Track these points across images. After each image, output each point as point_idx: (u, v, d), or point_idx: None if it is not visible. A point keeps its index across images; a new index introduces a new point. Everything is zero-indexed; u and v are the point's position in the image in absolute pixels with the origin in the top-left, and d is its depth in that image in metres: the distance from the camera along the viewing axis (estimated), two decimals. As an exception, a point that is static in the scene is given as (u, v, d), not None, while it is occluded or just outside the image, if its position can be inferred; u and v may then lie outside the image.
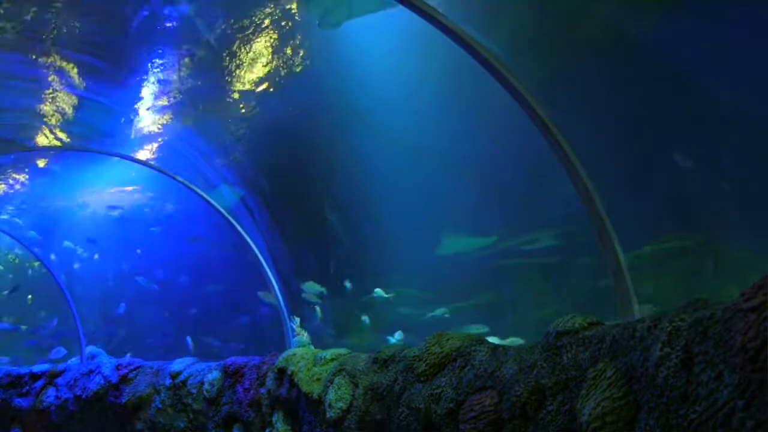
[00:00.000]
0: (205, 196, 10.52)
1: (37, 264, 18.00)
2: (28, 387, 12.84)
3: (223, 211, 10.33)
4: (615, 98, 6.61)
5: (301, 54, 7.99)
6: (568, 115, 5.49)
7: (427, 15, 5.39)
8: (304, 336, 9.62)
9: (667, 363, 3.22)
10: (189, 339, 13.83)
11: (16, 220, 15.87)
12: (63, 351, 15.52)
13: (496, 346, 5.20)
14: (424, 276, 8.93)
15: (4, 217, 15.55)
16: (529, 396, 4.37)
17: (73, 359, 14.70)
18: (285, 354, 8.53)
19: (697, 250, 6.53)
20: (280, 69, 8.23)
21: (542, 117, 5.24)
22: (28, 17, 7.07)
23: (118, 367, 11.60)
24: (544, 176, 6.24)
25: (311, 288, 9.82)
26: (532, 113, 5.28)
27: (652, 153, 6.47)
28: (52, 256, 16.41)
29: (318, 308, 10.09)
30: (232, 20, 7.35)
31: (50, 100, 9.29)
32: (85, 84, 8.94)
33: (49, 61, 8.02)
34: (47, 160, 12.56)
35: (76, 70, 8.45)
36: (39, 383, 12.82)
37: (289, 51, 7.99)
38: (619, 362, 3.70)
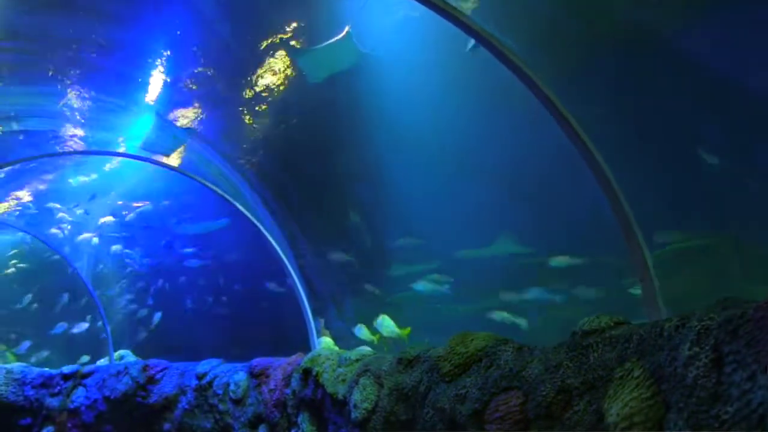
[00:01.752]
0: (228, 197, 10.59)
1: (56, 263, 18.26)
2: (59, 387, 13.04)
3: (246, 212, 10.39)
4: (639, 94, 6.55)
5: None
6: (591, 113, 5.46)
7: (450, 15, 5.39)
8: (329, 337, 9.66)
9: (697, 363, 3.19)
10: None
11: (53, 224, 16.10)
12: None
13: (521, 346, 5.18)
14: (448, 276, 8.90)
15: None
16: (555, 396, 4.34)
17: (102, 360, 14.89)
18: (310, 355, 8.56)
19: (724, 249, 6.46)
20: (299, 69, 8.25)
21: (565, 115, 5.21)
22: (53, 24, 7.17)
23: (145, 369, 11.72)
24: (570, 176, 6.19)
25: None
26: (555, 111, 5.26)
27: (677, 150, 6.41)
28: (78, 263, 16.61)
29: (322, 321, 10.11)
30: (254, 24, 7.39)
31: (74, 105, 9.40)
32: (108, 88, 9.05)
33: (74, 66, 8.12)
34: (73, 162, 12.70)
35: (99, 75, 8.55)
36: (69, 384, 13.01)
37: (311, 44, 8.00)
38: (646, 362, 3.67)
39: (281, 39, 7.72)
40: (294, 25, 7.57)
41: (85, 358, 15.75)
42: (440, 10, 5.39)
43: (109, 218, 16.28)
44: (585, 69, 6.39)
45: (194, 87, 8.78)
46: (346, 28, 7.19)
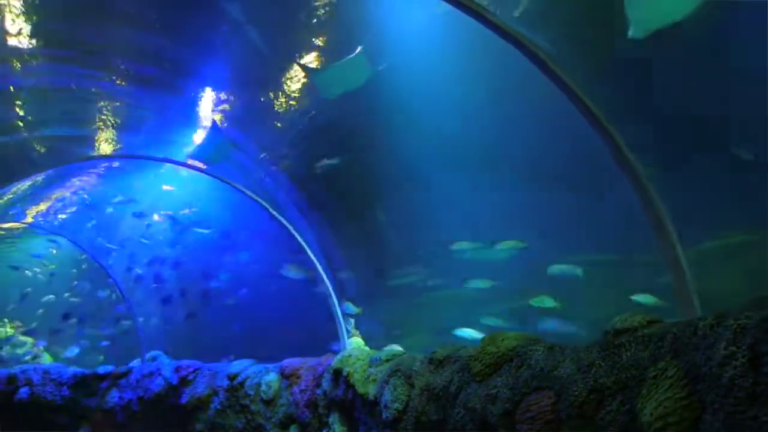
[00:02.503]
0: (260, 200, 10.68)
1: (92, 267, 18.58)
2: (94, 387, 13.25)
3: (276, 214, 10.47)
4: (670, 90, 6.45)
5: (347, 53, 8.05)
6: (621, 109, 5.39)
7: (476, 13, 5.37)
8: (359, 337, 9.68)
9: (733, 362, 3.13)
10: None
11: (84, 225, 16.38)
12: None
13: (552, 345, 5.14)
14: (479, 275, 8.85)
15: (61, 216, 16.03)
16: (587, 396, 4.30)
17: (135, 362, 15.11)
18: (340, 355, 8.59)
19: (762, 246, 6.33)
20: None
21: (594, 111, 5.16)
22: (87, 31, 7.31)
23: (177, 369, 11.85)
24: (598, 173, 6.12)
25: (349, 308, 9.96)
26: (583, 108, 5.21)
27: (712, 146, 6.29)
28: (110, 261, 16.87)
29: (353, 321, 10.15)
30: (283, 28, 7.44)
31: (109, 110, 9.55)
32: (142, 93, 9.19)
33: (108, 72, 8.26)
34: (106, 167, 12.88)
35: (134, 80, 8.68)
36: (104, 384, 13.22)
37: (336, 52, 8.04)
38: (680, 361, 3.61)
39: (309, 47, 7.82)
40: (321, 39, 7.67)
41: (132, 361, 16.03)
42: (464, 7, 5.37)
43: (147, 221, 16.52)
44: (613, 63, 6.31)
45: (229, 88, 8.87)
46: (358, 48, 7.36)
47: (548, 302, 8.68)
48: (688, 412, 3.40)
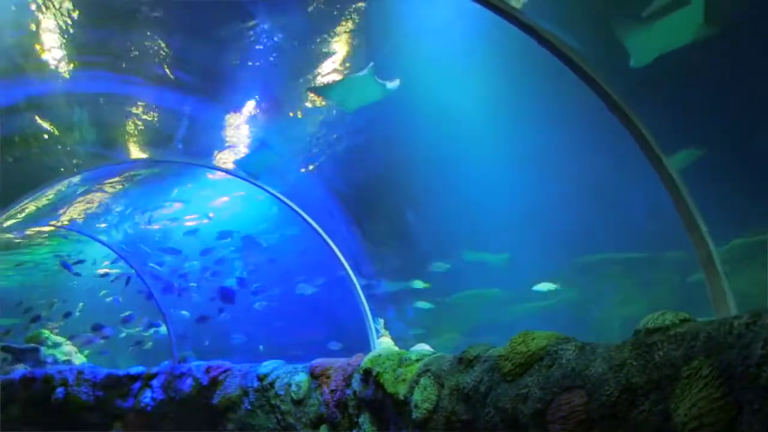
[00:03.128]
0: (288, 202, 10.75)
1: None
2: (126, 388, 13.44)
3: (305, 215, 10.52)
4: (701, 86, 6.39)
5: (376, 52, 8.08)
6: (651, 105, 5.34)
7: (505, 12, 5.35)
8: (388, 337, 9.69)
9: (770, 362, 3.09)
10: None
11: (114, 231, 16.61)
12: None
13: (583, 344, 5.11)
14: (507, 275, 8.83)
15: (102, 225, 16.28)
16: (619, 395, 4.28)
17: (167, 362, 15.28)
18: (370, 355, 8.60)
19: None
20: (357, 67, 8.32)
21: (623, 108, 5.12)
22: (120, 37, 7.43)
23: (208, 370, 11.95)
24: (629, 170, 6.07)
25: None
26: (613, 106, 5.17)
27: (742, 142, 6.22)
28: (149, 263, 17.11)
29: (382, 322, 10.16)
30: (314, 31, 7.49)
31: (141, 115, 9.68)
32: (173, 98, 9.31)
33: (140, 77, 8.38)
34: (140, 172, 13.05)
35: (165, 85, 8.80)
36: (136, 385, 13.40)
37: (364, 52, 8.08)
38: (715, 360, 3.58)
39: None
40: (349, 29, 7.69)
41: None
42: (494, 8, 5.36)
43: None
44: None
45: (257, 90, 8.95)
46: (370, 64, 7.42)
47: (549, 286, 8.68)
48: (724, 412, 3.37)
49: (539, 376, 5.20)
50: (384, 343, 9.63)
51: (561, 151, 7.74)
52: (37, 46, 7.33)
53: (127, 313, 19.00)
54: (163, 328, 16.45)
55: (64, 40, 7.22)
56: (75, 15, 6.87)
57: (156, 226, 17.02)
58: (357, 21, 7.40)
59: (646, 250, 7.73)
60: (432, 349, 8.23)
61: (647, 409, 4.02)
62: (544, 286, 9.50)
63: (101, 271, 19.48)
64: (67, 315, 19.78)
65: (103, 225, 16.21)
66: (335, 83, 8.17)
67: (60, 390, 13.84)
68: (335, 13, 7.26)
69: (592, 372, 4.65)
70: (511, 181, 8.40)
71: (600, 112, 5.23)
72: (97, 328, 19.43)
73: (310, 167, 10.64)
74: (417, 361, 7.50)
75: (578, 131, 7.24)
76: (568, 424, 4.66)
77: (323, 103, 9.04)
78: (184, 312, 17.38)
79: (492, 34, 6.91)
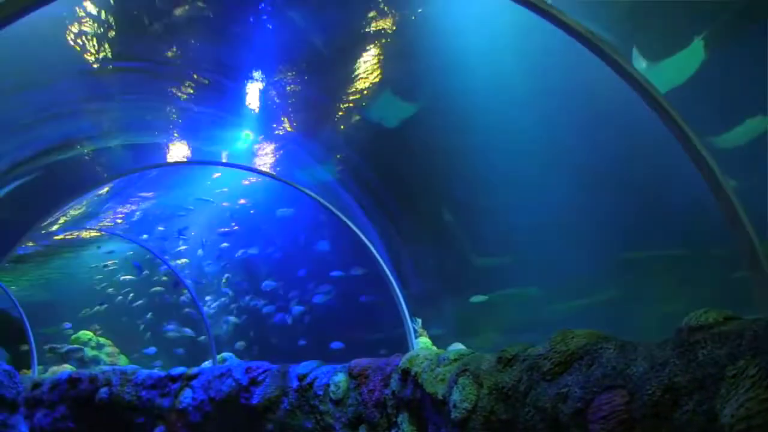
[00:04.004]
0: (321, 200, 10.79)
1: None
2: (168, 388, 13.64)
3: (340, 215, 10.56)
4: (738, 74, 6.25)
5: (411, 56, 8.08)
6: (689, 97, 5.25)
7: (536, 7, 5.31)
8: (426, 337, 9.68)
9: (821, 361, 3.01)
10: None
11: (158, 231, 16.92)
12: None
13: (624, 343, 5.03)
14: (545, 274, 8.75)
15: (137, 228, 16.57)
16: (662, 395, 4.21)
17: (206, 363, 15.48)
18: (408, 355, 8.61)
19: None
20: (391, 71, 8.34)
21: (660, 101, 5.03)
22: (157, 42, 7.56)
23: (247, 370, 12.05)
24: (668, 166, 5.96)
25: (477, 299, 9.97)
26: (650, 98, 5.09)
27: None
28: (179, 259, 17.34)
29: (419, 321, 10.14)
30: (344, 28, 7.52)
31: (176, 117, 9.82)
32: (207, 100, 9.43)
33: (176, 80, 8.50)
34: (174, 173, 13.25)
35: (199, 87, 8.92)
36: (176, 385, 13.59)
37: (398, 53, 8.09)
38: (762, 360, 3.49)
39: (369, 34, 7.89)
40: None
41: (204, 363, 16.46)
42: (526, 3, 5.32)
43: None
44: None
45: (292, 92, 9.02)
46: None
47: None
48: (773, 413, 3.29)
49: (579, 375, 5.15)
50: (422, 342, 9.63)
51: (598, 148, 7.64)
52: (73, 55, 7.49)
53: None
54: (202, 329, 16.66)
55: (99, 47, 7.37)
56: (111, 22, 7.01)
57: (192, 233, 17.29)
58: (390, 21, 7.42)
59: (688, 247, 7.59)
60: (469, 349, 8.20)
61: (691, 409, 3.95)
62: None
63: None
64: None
65: (139, 228, 16.49)
66: (373, 103, 8.33)
67: (104, 390, 14.12)
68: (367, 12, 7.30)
69: (633, 371, 4.58)
70: (549, 180, 8.32)
71: (636, 105, 5.15)
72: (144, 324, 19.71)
73: (345, 162, 10.67)
74: (455, 360, 7.48)
75: (615, 127, 7.14)
76: (609, 424, 4.60)
77: (356, 103, 9.07)
78: (232, 318, 17.60)
79: (524, 31, 6.87)
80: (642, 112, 5.19)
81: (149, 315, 20.15)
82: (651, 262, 7.88)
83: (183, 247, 17.75)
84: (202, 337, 16.87)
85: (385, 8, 7.33)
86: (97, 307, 20.71)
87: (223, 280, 17.98)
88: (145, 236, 16.79)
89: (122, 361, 20.27)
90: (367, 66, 8.14)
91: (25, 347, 17.72)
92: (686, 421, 3.96)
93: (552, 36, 5.32)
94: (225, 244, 17.64)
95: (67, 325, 20.52)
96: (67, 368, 16.42)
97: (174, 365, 14.85)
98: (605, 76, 5.25)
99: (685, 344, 4.20)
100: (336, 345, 13.74)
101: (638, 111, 5.23)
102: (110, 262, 19.49)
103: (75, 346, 19.82)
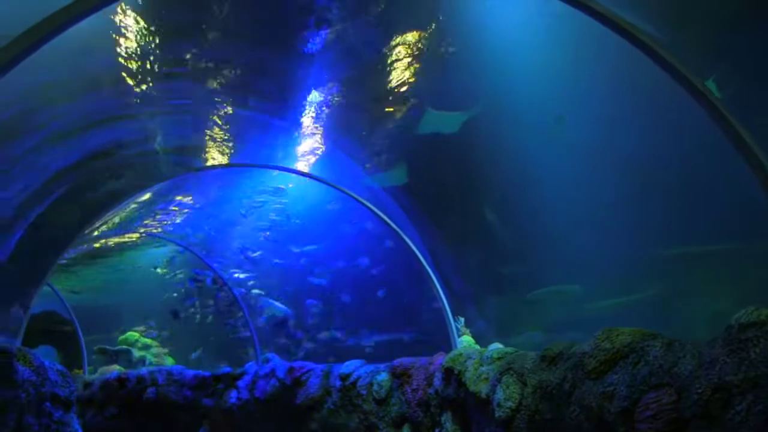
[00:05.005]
0: (361, 200, 10.84)
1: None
2: (212, 388, 13.86)
3: (382, 215, 10.59)
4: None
5: (451, 55, 8.06)
6: (738, 92, 5.13)
7: (576, 2, 5.26)
8: (469, 336, 9.65)
9: None
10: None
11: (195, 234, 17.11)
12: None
13: (671, 341, 4.95)
14: (588, 271, 8.64)
15: (181, 230, 16.81)
16: (712, 394, 4.12)
17: (251, 363, 15.65)
18: (451, 354, 8.60)
19: None
20: (432, 70, 8.33)
21: (706, 94, 4.94)
22: (201, 47, 7.69)
23: (291, 370, 12.17)
24: (715, 159, 5.84)
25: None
26: (696, 93, 4.99)
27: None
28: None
29: (462, 320, 10.11)
30: (383, 29, 7.54)
31: (217, 121, 9.95)
32: (248, 104, 9.54)
33: (217, 85, 8.63)
34: (220, 176, 13.40)
35: (240, 91, 9.04)
36: (222, 385, 13.79)
37: (439, 53, 8.09)
38: (816, 357, 3.41)
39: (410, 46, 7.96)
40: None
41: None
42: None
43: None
44: (727, 46, 6.01)
45: (338, 97, 9.10)
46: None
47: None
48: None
49: (625, 373, 5.08)
50: (465, 341, 9.60)
51: (643, 142, 7.52)
52: (119, 63, 7.66)
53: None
54: (246, 329, 16.86)
55: (143, 53, 7.52)
56: (155, 29, 7.15)
57: (240, 229, 17.44)
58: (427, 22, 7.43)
59: (737, 242, 7.41)
60: (509, 347, 8.15)
61: (745, 409, 3.85)
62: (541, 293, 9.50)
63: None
64: (175, 316, 20.45)
65: (184, 230, 16.72)
66: (422, 118, 8.57)
67: (151, 390, 14.41)
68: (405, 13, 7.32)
69: (681, 369, 4.50)
70: (592, 175, 8.21)
71: (682, 100, 5.06)
72: (176, 314, 20.10)
73: (384, 161, 10.69)
74: (498, 359, 7.45)
75: (660, 121, 7.02)
76: (657, 423, 4.53)
77: (397, 106, 9.10)
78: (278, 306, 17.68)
79: (563, 23, 6.81)
80: (688, 107, 5.10)
81: (198, 317, 20.45)
82: (698, 257, 7.72)
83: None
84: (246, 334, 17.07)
85: (429, 17, 7.35)
86: (148, 322, 21.16)
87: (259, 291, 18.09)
88: (182, 236, 17.02)
89: (168, 362, 20.64)
90: (407, 59, 8.15)
91: (75, 348, 18.16)
92: (740, 422, 3.87)
93: (595, 30, 5.26)
94: (257, 253, 17.78)
95: (124, 325, 21.01)
96: (115, 368, 16.77)
97: (219, 366, 15.10)
98: (649, 70, 5.17)
99: (735, 342, 4.11)
100: (374, 341, 13.76)
101: (684, 105, 5.14)
102: (161, 269, 19.81)
103: (123, 347, 20.24)
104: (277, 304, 17.25)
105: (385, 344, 14.29)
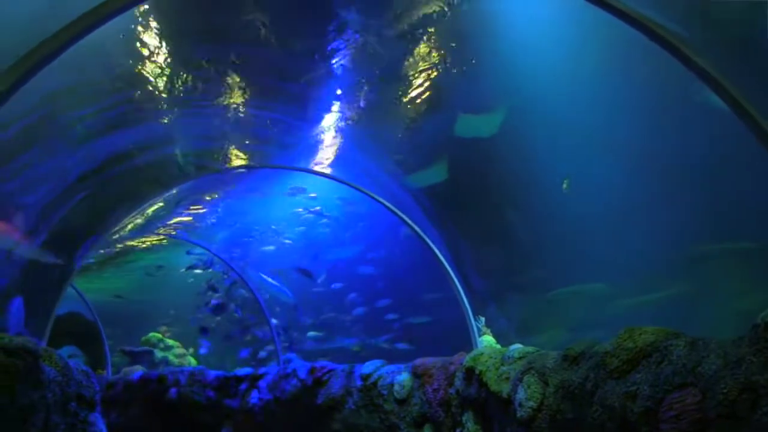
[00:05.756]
0: (381, 200, 10.85)
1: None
2: (234, 389, 13.92)
3: (402, 214, 10.59)
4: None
5: (470, 53, 8.04)
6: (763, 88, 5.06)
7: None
8: (490, 335, 9.62)
9: None
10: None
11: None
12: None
13: (695, 340, 4.88)
14: (611, 269, 8.57)
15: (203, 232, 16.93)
16: (739, 394, 4.05)
17: (272, 364, 15.73)
18: (472, 354, 8.58)
19: None
20: (450, 68, 8.32)
21: (731, 93, 4.87)
22: (224, 48, 7.74)
23: (312, 371, 12.20)
24: (742, 157, 5.76)
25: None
26: (721, 91, 4.93)
27: None
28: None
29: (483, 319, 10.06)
30: (401, 27, 7.53)
31: (238, 122, 10.00)
32: (269, 105, 9.58)
33: (239, 85, 8.67)
34: (236, 178, 13.49)
35: (261, 92, 9.08)
36: (243, 386, 13.86)
37: (457, 51, 8.07)
38: None
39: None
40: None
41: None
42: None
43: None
44: (752, 41, 5.93)
45: (360, 97, 9.11)
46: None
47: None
48: None
49: (648, 373, 5.02)
50: (486, 341, 9.57)
51: (667, 140, 7.45)
52: (141, 65, 7.73)
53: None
54: (267, 330, 16.94)
55: (163, 54, 7.59)
56: (176, 29, 7.21)
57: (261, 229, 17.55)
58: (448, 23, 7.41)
59: (762, 240, 7.32)
60: (531, 347, 8.11)
61: (772, 410, 3.79)
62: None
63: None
64: (203, 331, 20.70)
65: (206, 231, 16.84)
66: (456, 123, 8.77)
67: (173, 390, 14.52)
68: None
69: (705, 369, 4.44)
70: (617, 172, 8.15)
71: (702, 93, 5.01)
72: (204, 331, 20.32)
73: (403, 160, 10.69)
74: (520, 358, 7.42)
75: (686, 118, 6.95)
76: (681, 424, 4.47)
77: (417, 105, 9.09)
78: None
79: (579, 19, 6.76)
80: (715, 104, 5.04)
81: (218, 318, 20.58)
82: (724, 256, 7.63)
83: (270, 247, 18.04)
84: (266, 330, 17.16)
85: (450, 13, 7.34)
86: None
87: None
88: (204, 237, 17.14)
89: (191, 362, 20.79)
90: (426, 57, 8.13)
91: (98, 349, 18.36)
92: (767, 423, 3.81)
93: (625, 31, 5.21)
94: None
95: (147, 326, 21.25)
96: (138, 369, 16.93)
97: (240, 366, 15.17)
98: (674, 67, 5.12)
99: (762, 341, 4.04)
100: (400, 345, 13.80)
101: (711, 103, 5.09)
102: (184, 270, 19.95)
103: (145, 347, 20.42)
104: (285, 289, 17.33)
105: (407, 344, 14.34)
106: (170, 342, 21.24)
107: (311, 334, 17.30)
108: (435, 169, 10.32)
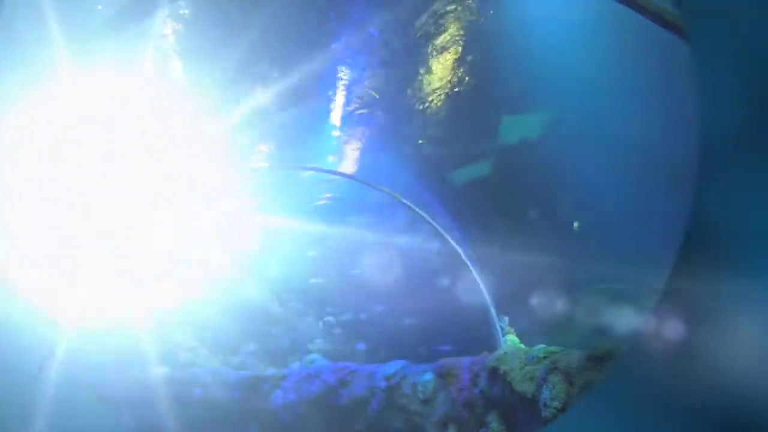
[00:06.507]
0: (404, 201, 10.84)
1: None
2: (258, 389, 13.95)
3: (423, 214, 10.58)
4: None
5: (488, 48, 8.05)
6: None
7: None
8: (514, 335, 9.60)
9: None
10: None
11: None
12: None
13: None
14: (636, 269, 8.53)
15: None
16: None
17: (295, 364, 15.72)
18: (496, 354, 8.57)
19: None
20: (468, 65, 8.32)
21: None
22: (240, 45, 7.79)
23: (335, 371, 12.21)
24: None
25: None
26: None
27: None
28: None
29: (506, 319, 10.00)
30: (419, 23, 7.54)
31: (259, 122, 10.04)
32: (283, 101, 9.60)
33: (261, 84, 8.72)
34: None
35: (276, 90, 9.11)
36: (267, 386, 13.87)
37: (476, 47, 8.08)
38: None
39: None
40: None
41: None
42: None
43: None
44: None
45: (378, 95, 9.12)
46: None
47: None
48: None
49: (675, 372, 5.01)
50: (510, 340, 9.55)
51: (688, 144, 7.40)
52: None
53: None
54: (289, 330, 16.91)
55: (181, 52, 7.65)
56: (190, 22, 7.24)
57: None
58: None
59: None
60: (555, 347, 8.09)
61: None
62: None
63: None
64: None
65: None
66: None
67: (198, 390, 14.57)
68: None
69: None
70: (640, 174, 8.12)
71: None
72: None
73: (424, 159, 10.67)
74: (544, 358, 7.40)
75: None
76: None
77: (436, 98, 9.07)
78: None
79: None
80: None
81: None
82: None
83: None
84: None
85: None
86: None
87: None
88: None
89: (213, 363, 20.79)
90: (444, 54, 8.13)
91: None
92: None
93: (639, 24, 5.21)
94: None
95: None
96: (162, 369, 16.97)
97: (264, 368, 15.19)
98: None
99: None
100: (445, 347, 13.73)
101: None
102: None
103: (168, 348, 20.46)
104: None
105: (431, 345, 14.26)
106: (196, 343, 21.29)
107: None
108: (477, 166, 10.28)
